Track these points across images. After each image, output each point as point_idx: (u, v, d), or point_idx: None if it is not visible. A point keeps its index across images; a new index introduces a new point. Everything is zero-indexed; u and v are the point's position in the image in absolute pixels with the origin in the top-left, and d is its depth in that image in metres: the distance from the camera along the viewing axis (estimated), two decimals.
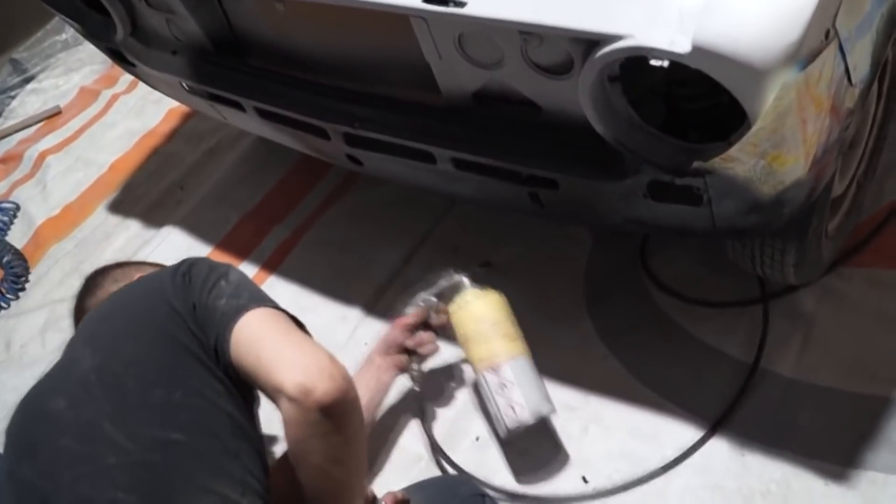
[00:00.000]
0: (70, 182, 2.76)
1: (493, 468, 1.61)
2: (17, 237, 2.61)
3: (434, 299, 1.65)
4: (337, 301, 2.03)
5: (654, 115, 1.19)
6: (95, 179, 2.74)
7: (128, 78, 3.12)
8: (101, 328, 1.19)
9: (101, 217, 2.57)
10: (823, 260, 1.66)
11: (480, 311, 1.60)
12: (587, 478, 1.54)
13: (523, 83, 1.27)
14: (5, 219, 2.66)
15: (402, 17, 1.26)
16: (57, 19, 3.39)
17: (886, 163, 1.84)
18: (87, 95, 3.19)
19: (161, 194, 2.57)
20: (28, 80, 3.40)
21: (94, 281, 1.54)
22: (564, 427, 1.62)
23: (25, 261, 2.49)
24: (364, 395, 1.35)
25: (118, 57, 1.99)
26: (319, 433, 1.02)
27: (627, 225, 1.42)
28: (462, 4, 1.15)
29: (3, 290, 2.41)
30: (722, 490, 1.47)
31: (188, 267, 1.20)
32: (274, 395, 1.04)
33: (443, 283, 1.65)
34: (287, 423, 1.03)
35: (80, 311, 1.50)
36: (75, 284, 2.23)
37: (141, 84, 2.92)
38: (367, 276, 2.04)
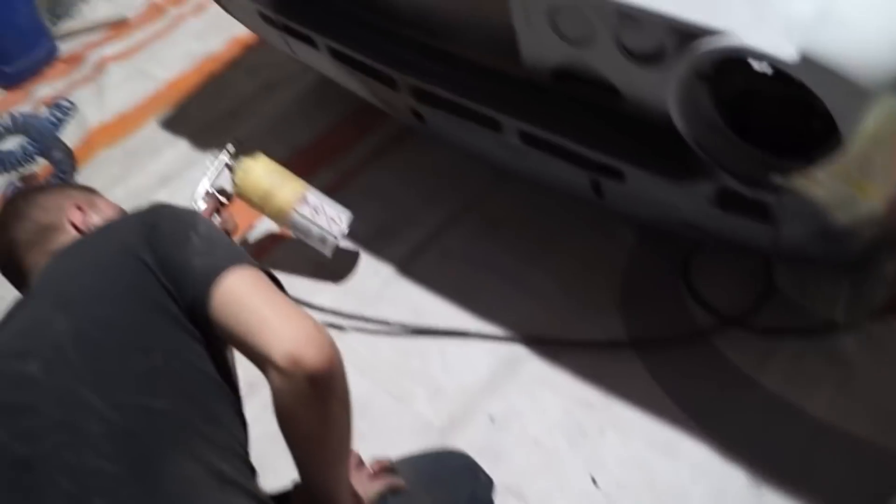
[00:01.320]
0: (127, 91, 2.76)
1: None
2: (69, 137, 2.60)
3: (211, 188, 1.87)
4: (371, 254, 2.01)
5: (739, 122, 1.15)
6: (152, 94, 2.73)
7: (197, 0, 3.10)
8: (70, 288, 1.11)
9: (152, 131, 2.56)
10: (875, 304, 1.61)
11: (264, 168, 1.88)
12: (596, 479, 1.51)
13: (609, 66, 1.23)
14: (62, 116, 2.66)
15: None
16: None
17: None
18: (154, 11, 3.18)
19: (213, 119, 2.55)
20: None
21: (16, 209, 1.36)
22: (581, 424, 1.59)
23: (75, 161, 2.50)
24: None
25: None
26: (309, 402, 0.99)
27: (685, 230, 1.39)
28: None
29: None
30: None
31: (153, 216, 1.13)
32: (261, 364, 1.00)
33: (212, 171, 1.88)
34: (276, 393, 0.99)
35: (5, 244, 1.33)
36: (119, 193, 2.27)
37: (208, 9, 2.92)
38: (404, 235, 2.02)
